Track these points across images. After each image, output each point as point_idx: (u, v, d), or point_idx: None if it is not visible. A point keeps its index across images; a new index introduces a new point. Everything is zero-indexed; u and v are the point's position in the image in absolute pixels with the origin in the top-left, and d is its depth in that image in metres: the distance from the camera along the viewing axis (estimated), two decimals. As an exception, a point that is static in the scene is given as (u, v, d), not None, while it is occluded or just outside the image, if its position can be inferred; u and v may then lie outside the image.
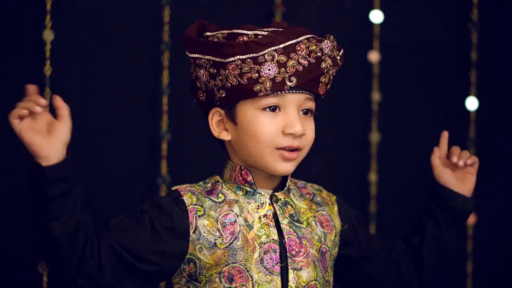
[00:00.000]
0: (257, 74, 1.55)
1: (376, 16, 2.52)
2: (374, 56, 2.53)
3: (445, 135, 1.85)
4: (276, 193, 1.65)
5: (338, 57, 1.64)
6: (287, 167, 1.60)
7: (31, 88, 1.48)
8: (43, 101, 1.45)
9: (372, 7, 2.52)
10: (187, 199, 1.59)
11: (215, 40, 1.59)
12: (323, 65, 1.59)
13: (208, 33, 1.61)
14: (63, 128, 1.46)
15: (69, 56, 2.17)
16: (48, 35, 2.10)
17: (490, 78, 2.66)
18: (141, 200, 2.29)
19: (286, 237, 1.61)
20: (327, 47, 1.59)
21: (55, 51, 2.11)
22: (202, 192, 1.62)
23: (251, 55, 1.54)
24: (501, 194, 2.70)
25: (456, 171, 1.82)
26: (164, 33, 2.26)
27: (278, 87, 1.56)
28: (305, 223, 1.66)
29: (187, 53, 1.62)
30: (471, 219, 2.60)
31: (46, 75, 2.10)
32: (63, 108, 1.47)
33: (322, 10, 2.51)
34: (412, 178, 2.60)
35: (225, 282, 1.57)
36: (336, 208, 1.73)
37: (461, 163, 1.80)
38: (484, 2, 2.62)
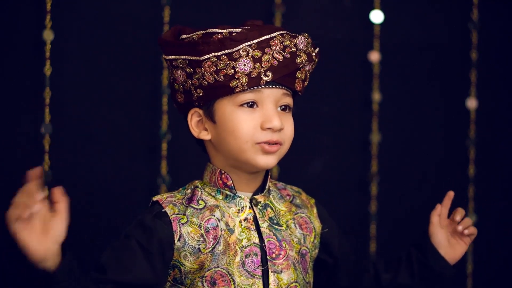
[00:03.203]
0: (232, 70, 1.56)
1: (376, 16, 2.52)
2: (374, 56, 2.52)
3: (449, 195, 1.80)
4: (255, 196, 1.66)
5: (314, 54, 1.64)
6: (269, 161, 1.61)
7: (34, 174, 1.40)
8: (40, 195, 1.39)
9: (372, 7, 2.52)
10: (169, 210, 1.60)
11: (190, 40, 1.60)
12: (298, 60, 1.60)
13: (184, 36, 1.62)
14: (60, 227, 1.41)
15: (69, 56, 2.17)
16: (48, 35, 2.10)
17: (490, 78, 2.66)
18: (141, 200, 2.28)
19: (266, 240, 1.62)
20: (301, 43, 1.60)
21: (55, 51, 2.11)
22: (183, 201, 1.63)
23: (226, 51, 1.55)
24: (501, 194, 2.70)
25: (451, 234, 1.79)
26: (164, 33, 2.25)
27: (254, 82, 1.57)
28: (284, 225, 1.67)
29: (163, 56, 1.64)
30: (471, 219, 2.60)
31: (46, 75, 2.10)
32: (63, 203, 1.41)
33: (322, 10, 2.51)
34: (412, 178, 2.60)
35: (208, 286, 1.58)
36: (315, 210, 1.75)
37: (460, 228, 1.77)
38: (484, 2, 2.62)
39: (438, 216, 1.79)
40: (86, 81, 2.20)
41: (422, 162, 2.62)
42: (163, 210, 1.60)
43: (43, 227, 1.41)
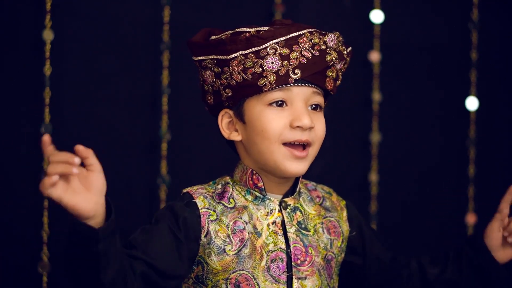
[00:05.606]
0: (260, 69, 1.54)
1: (376, 16, 2.52)
2: (374, 56, 2.53)
3: None
4: (285, 199, 1.64)
5: (345, 52, 1.62)
6: (299, 167, 1.58)
7: (46, 140, 1.36)
8: (77, 159, 1.33)
9: (372, 7, 2.52)
10: (199, 202, 1.59)
11: (218, 40, 1.59)
12: (328, 58, 1.57)
13: (213, 37, 1.61)
14: (99, 179, 1.36)
15: (69, 56, 2.17)
16: (48, 35, 2.10)
17: (490, 78, 2.66)
18: (142, 200, 2.30)
19: (292, 246, 1.61)
20: (331, 41, 1.58)
21: (55, 51, 2.11)
22: (214, 195, 1.62)
23: (253, 49, 1.54)
24: (501, 194, 2.70)
25: (505, 238, 1.76)
26: (164, 33, 2.26)
27: (282, 80, 1.55)
28: (312, 230, 1.65)
29: (193, 58, 1.63)
30: (471, 219, 2.60)
31: (46, 75, 2.10)
32: (90, 157, 1.36)
33: (322, 10, 2.51)
34: (412, 178, 2.60)
35: None
36: (345, 213, 1.73)
37: (510, 240, 1.75)
38: (484, 2, 2.62)
39: (501, 221, 1.77)
40: (86, 81, 2.20)
41: (422, 162, 2.62)
42: (193, 200, 1.59)
43: (85, 185, 1.35)
